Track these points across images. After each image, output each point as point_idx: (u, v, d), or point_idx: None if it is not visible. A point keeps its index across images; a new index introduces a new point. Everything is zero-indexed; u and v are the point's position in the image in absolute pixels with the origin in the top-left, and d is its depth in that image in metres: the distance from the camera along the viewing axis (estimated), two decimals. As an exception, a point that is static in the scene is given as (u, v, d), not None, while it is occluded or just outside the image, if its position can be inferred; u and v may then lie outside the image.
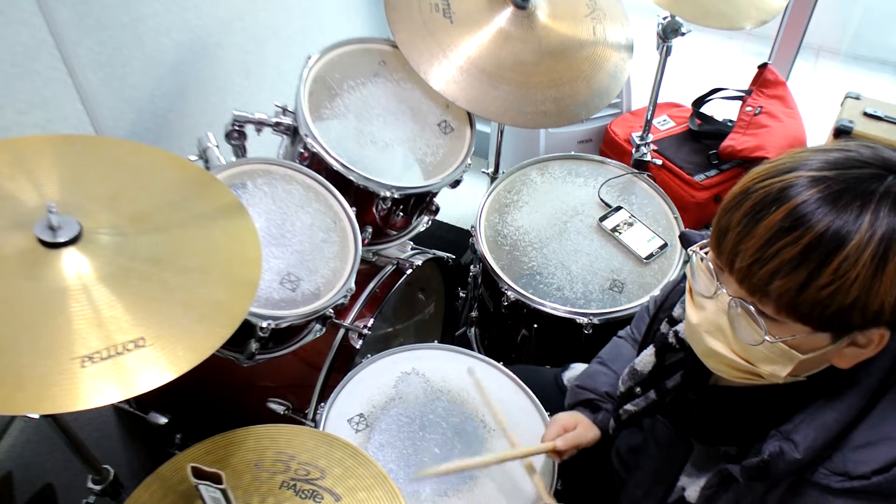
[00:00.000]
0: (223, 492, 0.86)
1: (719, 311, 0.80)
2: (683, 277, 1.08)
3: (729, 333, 0.80)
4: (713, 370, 0.87)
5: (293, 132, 1.41)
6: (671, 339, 0.99)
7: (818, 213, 0.69)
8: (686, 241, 1.00)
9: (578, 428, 1.16)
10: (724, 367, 0.84)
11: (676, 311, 1.03)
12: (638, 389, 1.04)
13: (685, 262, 0.86)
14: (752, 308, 0.75)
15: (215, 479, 0.85)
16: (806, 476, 0.79)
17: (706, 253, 0.82)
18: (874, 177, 0.70)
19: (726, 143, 2.11)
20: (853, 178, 0.70)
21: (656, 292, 1.47)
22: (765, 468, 0.80)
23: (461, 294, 1.80)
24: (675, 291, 1.08)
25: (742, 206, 0.74)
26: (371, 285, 1.47)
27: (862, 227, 0.68)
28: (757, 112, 2.13)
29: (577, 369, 1.35)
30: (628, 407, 1.05)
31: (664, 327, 1.03)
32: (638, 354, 1.06)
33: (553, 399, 1.28)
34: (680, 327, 0.99)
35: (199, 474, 0.85)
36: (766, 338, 0.76)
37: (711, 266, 0.81)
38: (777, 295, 0.72)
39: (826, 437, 0.78)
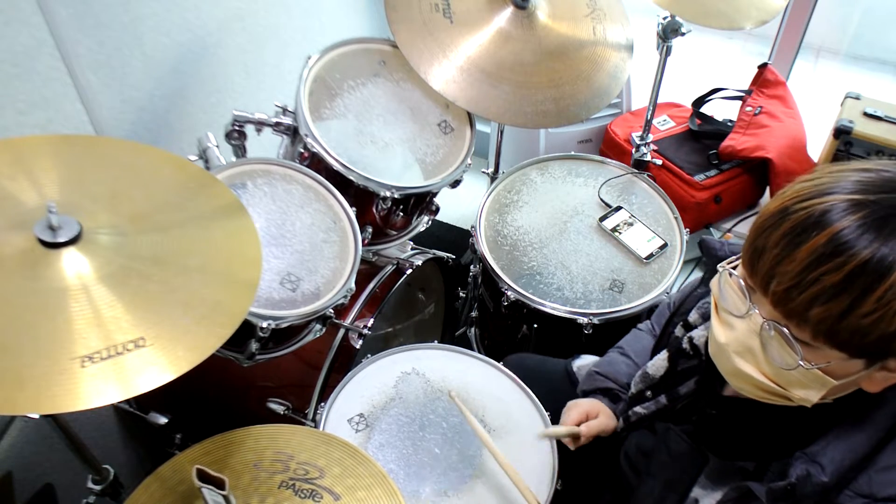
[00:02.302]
0: (225, 497, 0.86)
1: (750, 331, 0.78)
2: (701, 281, 1.06)
3: (760, 355, 0.78)
4: (738, 389, 0.85)
5: (293, 132, 1.41)
6: (685, 345, 0.98)
7: (862, 240, 0.68)
8: (706, 249, 0.97)
9: (601, 416, 1.13)
10: (750, 388, 0.82)
11: (692, 317, 1.01)
12: (648, 393, 1.03)
13: (712, 274, 0.83)
14: (787, 332, 0.74)
15: (219, 483, 0.85)
16: (831, 497, 0.78)
17: (734, 268, 0.80)
18: None
19: (726, 143, 2.11)
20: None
21: (672, 290, 1.46)
22: (792, 491, 0.79)
23: (461, 294, 1.80)
24: (693, 297, 1.06)
25: (780, 227, 0.72)
26: (371, 285, 1.48)
27: None
28: (757, 112, 2.13)
29: (585, 359, 1.34)
30: (638, 409, 1.04)
31: (679, 331, 1.01)
32: (652, 356, 1.05)
33: (563, 389, 1.27)
34: (695, 333, 0.98)
35: (203, 477, 0.85)
36: (801, 363, 0.74)
37: (743, 284, 0.78)
38: (816, 321, 0.71)
39: (853, 460, 0.76)
